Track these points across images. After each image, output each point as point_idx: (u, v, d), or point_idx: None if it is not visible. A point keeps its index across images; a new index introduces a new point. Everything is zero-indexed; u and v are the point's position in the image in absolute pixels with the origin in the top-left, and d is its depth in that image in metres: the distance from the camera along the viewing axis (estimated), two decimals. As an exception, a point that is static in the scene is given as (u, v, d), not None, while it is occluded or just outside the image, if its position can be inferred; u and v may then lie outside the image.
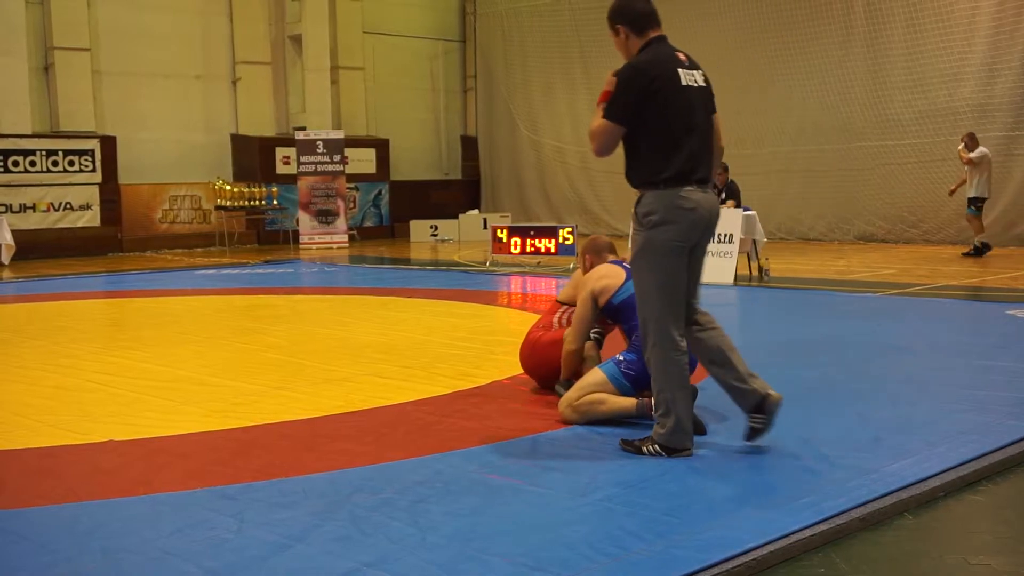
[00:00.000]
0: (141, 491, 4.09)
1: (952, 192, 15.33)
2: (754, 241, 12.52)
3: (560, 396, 5.30)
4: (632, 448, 4.51)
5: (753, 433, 4.52)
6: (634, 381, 5.03)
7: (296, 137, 19.79)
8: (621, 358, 5.11)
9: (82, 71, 18.36)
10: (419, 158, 23.67)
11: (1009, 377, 6.05)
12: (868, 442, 4.63)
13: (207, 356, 7.42)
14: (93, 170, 18.31)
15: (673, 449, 4.44)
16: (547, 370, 5.71)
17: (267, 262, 16.33)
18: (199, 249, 19.45)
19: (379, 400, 5.74)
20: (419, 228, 21.18)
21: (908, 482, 4.00)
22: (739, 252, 12.04)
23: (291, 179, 20.06)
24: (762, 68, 18.79)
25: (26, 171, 17.55)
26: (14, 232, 16.17)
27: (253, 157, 20.49)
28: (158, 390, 6.14)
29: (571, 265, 13.66)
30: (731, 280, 11.62)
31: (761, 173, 18.41)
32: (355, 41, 22.10)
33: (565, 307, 5.85)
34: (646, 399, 4.93)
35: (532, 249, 14.43)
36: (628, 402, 4.99)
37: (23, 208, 17.55)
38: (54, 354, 7.51)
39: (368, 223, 22.03)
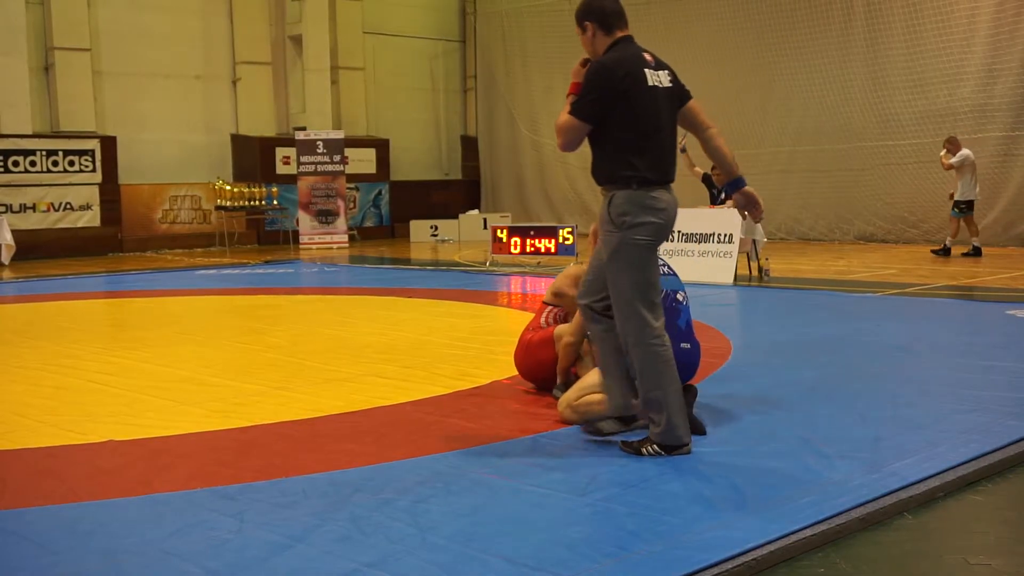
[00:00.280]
0: (142, 491, 4.09)
1: (952, 195, 15.34)
2: (754, 241, 12.52)
3: (558, 399, 5.31)
4: (631, 450, 4.51)
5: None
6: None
7: (296, 137, 19.79)
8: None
9: (82, 71, 18.36)
10: (419, 158, 23.68)
11: (1009, 377, 6.05)
12: (868, 442, 4.63)
13: (207, 356, 7.42)
14: (93, 170, 18.32)
15: (671, 447, 4.44)
16: (542, 370, 5.71)
17: (267, 262, 16.34)
18: (199, 249, 19.46)
19: (379, 400, 5.74)
20: (419, 228, 21.18)
21: (908, 482, 4.00)
22: (739, 252, 12.04)
23: (291, 179, 20.07)
24: (762, 68, 18.79)
25: (26, 171, 17.56)
26: (14, 232, 16.18)
27: (253, 157, 20.50)
28: (159, 390, 6.14)
29: (572, 264, 13.65)
30: (731, 280, 11.62)
31: (761, 173, 18.40)
32: (355, 41, 22.11)
33: (551, 307, 5.87)
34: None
35: (532, 249, 14.43)
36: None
37: (23, 208, 17.56)
38: (55, 354, 7.51)
39: (368, 223, 22.04)
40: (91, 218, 18.39)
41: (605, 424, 4.80)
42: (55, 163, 17.87)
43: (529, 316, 8.52)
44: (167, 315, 10.11)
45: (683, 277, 5.78)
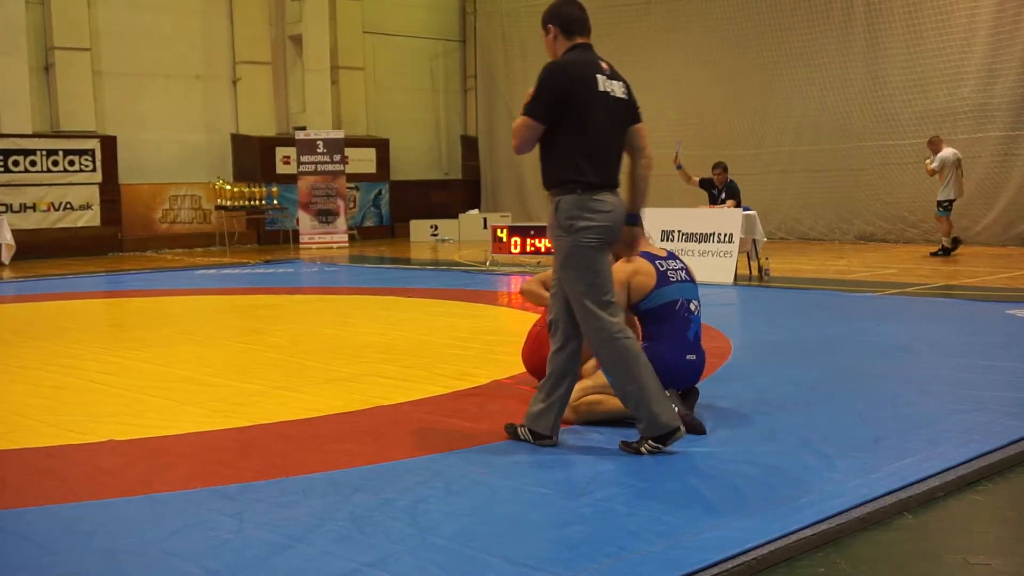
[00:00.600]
0: (142, 491, 4.09)
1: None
2: (754, 241, 12.53)
3: None
4: (631, 449, 4.51)
5: (511, 431, 4.71)
6: None
7: (296, 137, 19.79)
8: None
9: (82, 71, 18.36)
10: (419, 158, 23.68)
11: (1009, 377, 6.05)
12: (868, 442, 4.63)
13: (208, 356, 7.42)
14: (93, 170, 18.32)
15: (663, 437, 4.45)
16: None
17: (267, 262, 16.34)
18: (199, 249, 19.46)
19: (379, 400, 5.74)
20: (419, 228, 21.18)
21: (908, 482, 4.00)
22: (739, 252, 12.05)
23: (291, 179, 20.07)
24: (762, 68, 18.79)
25: (26, 171, 17.56)
26: (14, 232, 16.18)
27: (253, 157, 20.50)
28: (159, 390, 6.14)
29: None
30: (731, 280, 11.63)
31: (761, 173, 18.42)
32: (355, 41, 22.11)
33: None
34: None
35: (532, 249, 14.44)
36: (628, 403, 4.98)
37: (23, 208, 17.56)
38: (55, 354, 7.51)
39: (368, 223, 22.04)
40: (91, 218, 18.39)
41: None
42: (55, 163, 17.87)
43: (529, 316, 8.53)
44: (167, 315, 10.11)
45: (683, 277, 5.75)
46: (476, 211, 22.27)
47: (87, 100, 18.46)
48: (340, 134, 20.01)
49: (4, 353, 7.64)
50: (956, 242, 14.96)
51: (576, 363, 4.66)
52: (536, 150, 4.66)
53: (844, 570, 3.27)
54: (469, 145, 24.62)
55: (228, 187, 19.24)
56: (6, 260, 15.90)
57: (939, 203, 14.93)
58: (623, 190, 4.69)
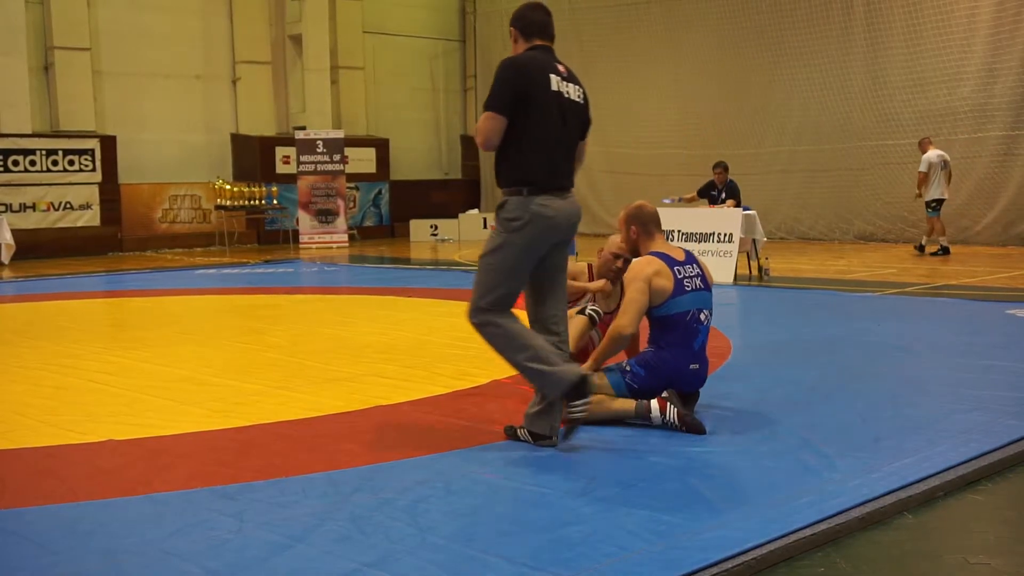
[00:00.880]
0: (142, 491, 4.09)
1: (919, 195, 15.45)
2: (754, 240, 12.53)
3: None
4: (512, 434, 4.71)
5: (511, 433, 4.76)
6: (636, 393, 5.01)
7: (296, 137, 19.79)
8: (628, 368, 5.08)
9: (82, 71, 18.35)
10: (419, 158, 23.68)
11: (1009, 376, 6.05)
12: (868, 442, 4.63)
13: (207, 356, 7.42)
14: (93, 170, 18.31)
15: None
16: None
17: (267, 262, 16.34)
18: (199, 249, 19.45)
19: (379, 400, 5.74)
20: (419, 228, 21.18)
21: (908, 482, 4.00)
22: (739, 251, 12.05)
23: (291, 179, 20.07)
24: (762, 68, 18.79)
25: (26, 171, 17.55)
26: (14, 232, 16.17)
27: (253, 157, 20.49)
28: (159, 390, 6.14)
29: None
30: (731, 280, 11.63)
31: (761, 173, 18.42)
32: (355, 41, 22.10)
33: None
34: (645, 401, 4.93)
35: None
36: (628, 404, 4.98)
37: (23, 208, 17.55)
38: (55, 354, 7.51)
39: (368, 223, 22.03)
40: (91, 218, 18.38)
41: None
42: (55, 163, 17.86)
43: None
44: (167, 315, 10.11)
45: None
46: (476, 211, 22.27)
47: (87, 100, 18.46)
48: (340, 134, 20.01)
49: (4, 353, 7.64)
50: (922, 248, 15.22)
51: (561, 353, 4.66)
52: None
53: (844, 570, 3.27)
54: (469, 145, 24.61)
55: (228, 187, 19.24)
56: (6, 260, 15.90)
57: (927, 204, 15.10)
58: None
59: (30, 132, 17.64)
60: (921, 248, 15.27)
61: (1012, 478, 4.24)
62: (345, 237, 19.87)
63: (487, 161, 24.42)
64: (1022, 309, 8.86)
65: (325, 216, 19.83)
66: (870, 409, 5.28)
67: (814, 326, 8.37)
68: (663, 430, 4.85)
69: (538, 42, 4.67)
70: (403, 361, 6.98)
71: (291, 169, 20.17)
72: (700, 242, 12.03)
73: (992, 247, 16.03)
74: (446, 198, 23.43)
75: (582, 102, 4.70)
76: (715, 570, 3.18)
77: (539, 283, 4.70)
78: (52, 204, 17.91)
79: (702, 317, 5.11)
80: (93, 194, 18.35)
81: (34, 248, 17.01)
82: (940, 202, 15.04)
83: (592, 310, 5.63)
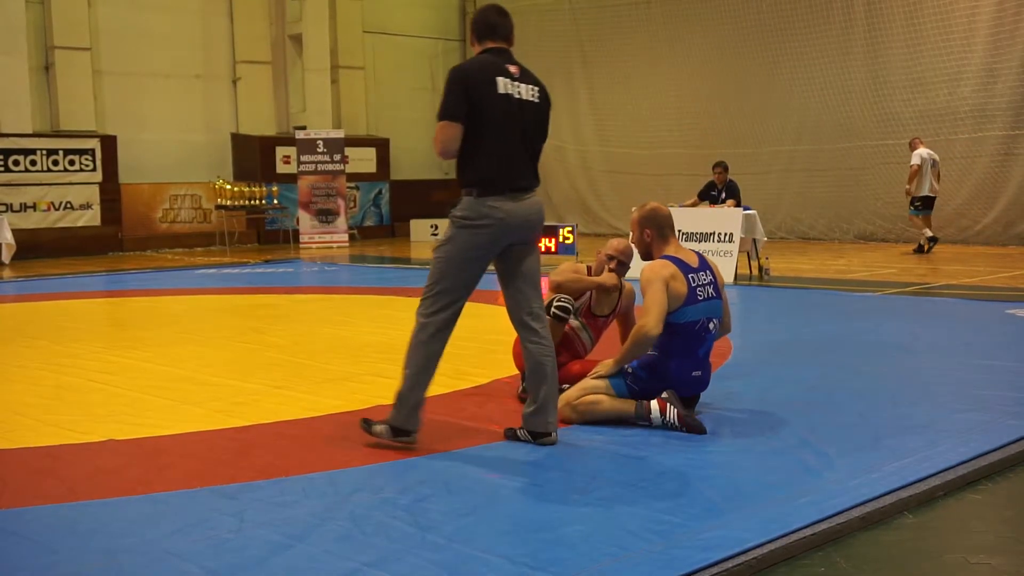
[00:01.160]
0: (142, 491, 4.09)
1: (908, 192, 15.50)
2: (754, 240, 12.53)
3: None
4: (512, 436, 4.73)
5: (511, 436, 4.76)
6: (636, 394, 5.01)
7: (296, 136, 19.79)
8: (629, 370, 5.07)
9: (83, 71, 18.35)
10: (419, 158, 23.64)
11: (1009, 376, 6.05)
12: (868, 442, 4.63)
13: (207, 355, 7.42)
14: (93, 169, 18.31)
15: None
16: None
17: (267, 261, 16.34)
18: (199, 248, 19.45)
19: (379, 399, 5.73)
20: (419, 227, 21.18)
21: (908, 481, 4.00)
22: (739, 251, 12.06)
23: (291, 178, 20.06)
24: (762, 68, 18.78)
25: (27, 170, 17.55)
26: (14, 231, 16.17)
27: (253, 156, 20.48)
28: (159, 389, 6.14)
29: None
30: (731, 279, 11.63)
31: (761, 172, 18.42)
32: (355, 40, 22.09)
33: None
34: (646, 402, 4.93)
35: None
36: (628, 404, 4.98)
37: (23, 207, 17.55)
38: (55, 353, 7.51)
39: (368, 222, 22.03)
40: (91, 217, 18.38)
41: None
42: (55, 162, 17.86)
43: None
44: (167, 314, 10.11)
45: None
46: (544, 211, 22.23)
47: (87, 100, 18.45)
48: (340, 134, 20.01)
49: (4, 352, 7.64)
50: (933, 241, 15.22)
51: (542, 351, 4.67)
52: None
53: (844, 569, 3.27)
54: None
55: (228, 187, 19.23)
56: (6, 260, 15.90)
57: (911, 203, 15.28)
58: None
59: (30, 132, 17.64)
60: (921, 248, 15.27)
61: (1012, 478, 4.24)
62: (345, 237, 19.87)
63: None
64: (1022, 309, 8.86)
65: (325, 216, 19.83)
66: (870, 409, 5.28)
67: (814, 326, 8.37)
68: (663, 430, 4.85)
69: (491, 44, 4.70)
70: (403, 361, 6.97)
71: (291, 169, 20.17)
72: (700, 242, 12.02)
73: (992, 247, 16.03)
74: (446, 198, 23.42)
75: (538, 101, 4.70)
76: (715, 570, 3.18)
77: (514, 284, 4.75)
78: (52, 204, 17.90)
79: (711, 326, 5.08)
80: (93, 194, 18.35)
81: (34, 248, 17.00)
82: (930, 200, 15.11)
83: (558, 306, 5.47)
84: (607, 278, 5.64)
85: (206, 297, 11.59)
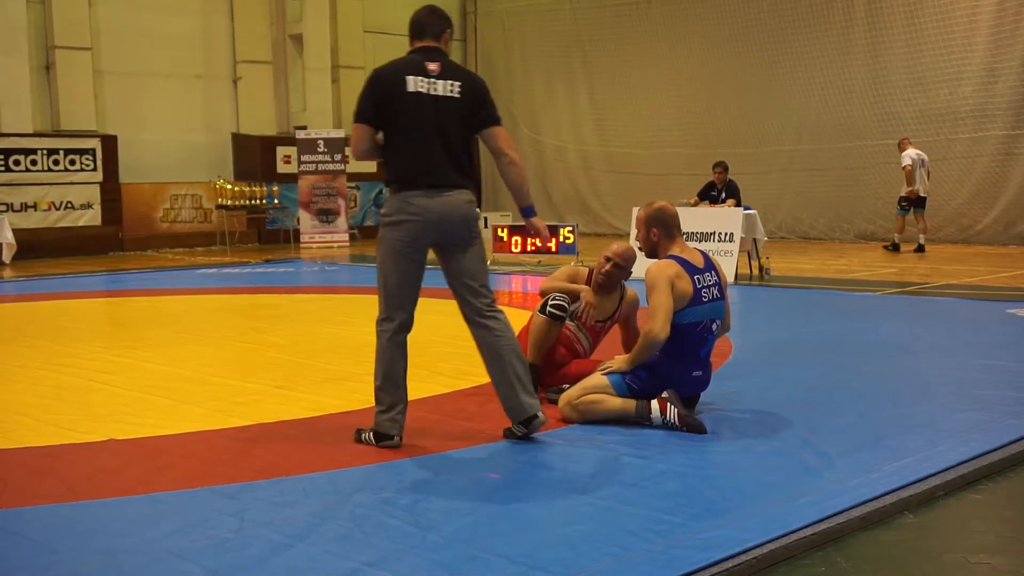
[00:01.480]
0: (142, 491, 4.09)
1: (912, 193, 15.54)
2: (755, 240, 12.54)
3: (552, 403, 5.31)
4: (509, 435, 4.72)
5: (509, 435, 4.76)
6: (636, 394, 5.01)
7: (297, 136, 19.78)
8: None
9: (83, 70, 18.35)
10: (419, 158, 23.67)
11: (1010, 376, 6.05)
12: (868, 442, 4.63)
13: (208, 355, 7.42)
14: (94, 169, 18.31)
15: (380, 435, 4.66)
16: (545, 359, 5.67)
17: (268, 261, 16.34)
18: (200, 248, 19.45)
19: (380, 399, 5.73)
20: (420, 227, 21.14)
21: (908, 481, 4.00)
22: (740, 251, 12.06)
23: (292, 178, 20.06)
24: (762, 68, 18.79)
25: (27, 170, 17.55)
26: (15, 231, 16.17)
27: (254, 156, 20.48)
28: (159, 389, 6.14)
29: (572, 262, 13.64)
30: (732, 279, 11.63)
31: (762, 172, 18.42)
32: (356, 40, 22.09)
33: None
34: (646, 402, 4.93)
35: (533, 248, 14.43)
36: (628, 404, 4.98)
37: (24, 207, 17.55)
38: (55, 353, 7.51)
39: (369, 222, 22.01)
40: (92, 217, 18.37)
41: None
42: (56, 162, 17.86)
43: (528, 316, 8.51)
44: (167, 314, 10.11)
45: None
46: (476, 210, 22.23)
47: (88, 99, 18.45)
48: (341, 133, 19.99)
49: (4, 352, 7.64)
50: (921, 247, 15.29)
51: (496, 342, 4.72)
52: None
53: (844, 569, 3.27)
54: (469, 144, 24.58)
55: (229, 186, 19.23)
56: (7, 259, 15.90)
57: (899, 202, 15.40)
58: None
59: (31, 132, 17.63)
60: (921, 247, 15.26)
61: (1012, 478, 4.25)
62: (346, 237, 19.87)
63: (487, 161, 24.42)
64: (1022, 309, 8.86)
65: (326, 216, 19.83)
66: (870, 409, 5.28)
67: (814, 325, 8.37)
68: (663, 430, 4.85)
69: (419, 44, 4.75)
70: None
71: (292, 169, 20.16)
72: (701, 241, 12.03)
73: (993, 246, 16.04)
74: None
75: (459, 96, 4.68)
76: (715, 570, 3.18)
77: (454, 287, 4.91)
78: (53, 204, 17.90)
79: (713, 327, 5.08)
80: (94, 193, 18.35)
81: (35, 248, 17.00)
82: (922, 200, 15.20)
83: (553, 304, 5.48)
84: (585, 293, 5.64)
85: (206, 297, 11.59)
